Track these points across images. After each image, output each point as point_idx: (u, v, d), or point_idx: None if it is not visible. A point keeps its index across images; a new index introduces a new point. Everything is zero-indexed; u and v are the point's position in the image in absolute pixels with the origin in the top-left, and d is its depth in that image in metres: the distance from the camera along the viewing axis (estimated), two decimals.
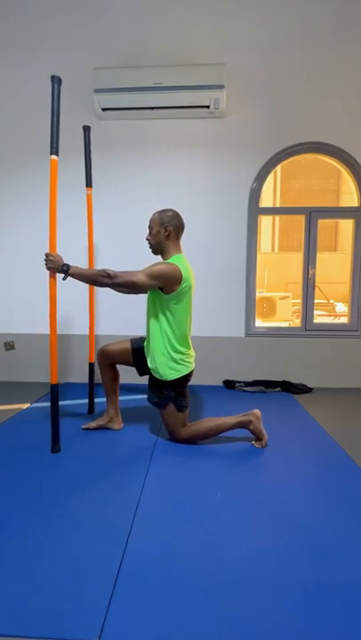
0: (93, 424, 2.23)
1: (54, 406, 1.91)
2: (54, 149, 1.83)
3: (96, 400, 2.55)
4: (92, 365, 2.51)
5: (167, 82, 2.72)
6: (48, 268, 1.83)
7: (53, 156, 1.83)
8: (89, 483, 1.65)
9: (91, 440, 2.09)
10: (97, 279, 1.84)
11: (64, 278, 1.84)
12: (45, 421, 2.21)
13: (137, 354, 2.09)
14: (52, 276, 1.86)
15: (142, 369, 2.10)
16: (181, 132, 3.01)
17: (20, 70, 3.03)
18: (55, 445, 1.93)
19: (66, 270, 1.81)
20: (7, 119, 3.08)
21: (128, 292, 1.90)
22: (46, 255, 1.82)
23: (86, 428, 2.21)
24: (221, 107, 2.82)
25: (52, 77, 1.82)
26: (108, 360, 2.15)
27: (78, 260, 3.00)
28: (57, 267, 1.81)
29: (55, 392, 1.91)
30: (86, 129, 2.40)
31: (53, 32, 2.97)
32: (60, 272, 1.82)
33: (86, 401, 2.52)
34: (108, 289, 1.91)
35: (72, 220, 2.88)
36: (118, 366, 2.20)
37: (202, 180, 3.05)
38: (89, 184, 2.43)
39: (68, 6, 2.95)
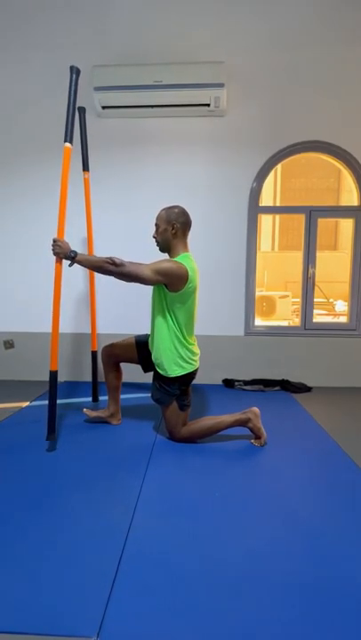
0: (94, 413, 2.27)
1: (52, 394, 1.91)
2: (68, 137, 1.88)
3: (100, 398, 2.56)
4: (94, 353, 2.58)
5: (167, 80, 2.71)
6: (55, 254, 1.85)
7: (67, 144, 1.89)
8: (88, 481, 1.65)
9: (90, 438, 2.09)
10: (102, 266, 1.81)
11: (70, 265, 1.85)
12: (44, 420, 2.21)
13: (141, 348, 2.10)
14: (59, 262, 1.88)
15: (147, 364, 2.10)
16: (181, 131, 3.00)
17: (20, 68, 3.00)
18: (51, 434, 1.92)
19: (73, 257, 1.82)
20: (6, 118, 3.06)
21: (129, 281, 1.87)
22: (54, 241, 1.84)
23: (87, 414, 2.25)
24: (221, 105, 2.81)
25: (71, 68, 1.91)
26: (112, 358, 2.16)
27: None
28: (64, 252, 1.83)
29: (54, 378, 1.91)
30: (81, 110, 2.38)
31: (53, 30, 2.95)
32: (67, 258, 1.83)
33: (84, 400, 2.53)
34: (110, 282, 1.90)
35: (72, 214, 2.87)
36: (122, 364, 2.20)
37: (202, 178, 3.05)
38: (86, 168, 2.43)
39: (68, 4, 2.93)
